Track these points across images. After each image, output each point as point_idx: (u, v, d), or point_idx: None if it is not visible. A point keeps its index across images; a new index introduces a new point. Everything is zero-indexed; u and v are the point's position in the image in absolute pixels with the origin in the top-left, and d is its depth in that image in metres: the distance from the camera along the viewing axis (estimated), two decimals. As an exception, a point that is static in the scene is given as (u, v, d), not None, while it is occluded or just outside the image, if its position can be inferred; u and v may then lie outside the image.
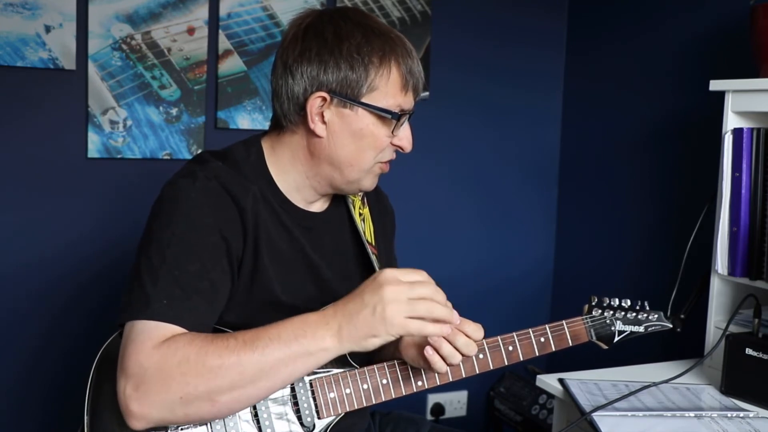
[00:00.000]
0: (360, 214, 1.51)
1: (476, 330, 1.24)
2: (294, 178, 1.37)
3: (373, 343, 1.17)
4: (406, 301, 1.16)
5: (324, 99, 1.30)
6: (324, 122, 1.31)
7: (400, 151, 1.38)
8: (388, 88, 1.30)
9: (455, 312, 1.20)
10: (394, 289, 1.16)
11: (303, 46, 1.31)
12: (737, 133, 1.77)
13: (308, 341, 1.16)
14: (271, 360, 1.14)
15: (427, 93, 2.52)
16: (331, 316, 1.18)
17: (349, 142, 1.32)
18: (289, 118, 1.34)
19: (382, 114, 1.30)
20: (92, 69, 2.13)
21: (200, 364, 1.12)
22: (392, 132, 1.33)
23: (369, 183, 1.39)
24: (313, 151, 1.35)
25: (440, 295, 1.19)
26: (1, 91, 2.06)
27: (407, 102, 1.33)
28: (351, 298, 1.18)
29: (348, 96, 1.30)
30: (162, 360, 1.12)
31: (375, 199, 1.58)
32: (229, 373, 1.13)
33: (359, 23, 1.32)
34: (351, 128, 1.31)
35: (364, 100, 1.30)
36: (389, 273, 1.18)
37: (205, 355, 1.13)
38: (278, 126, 1.38)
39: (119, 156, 2.18)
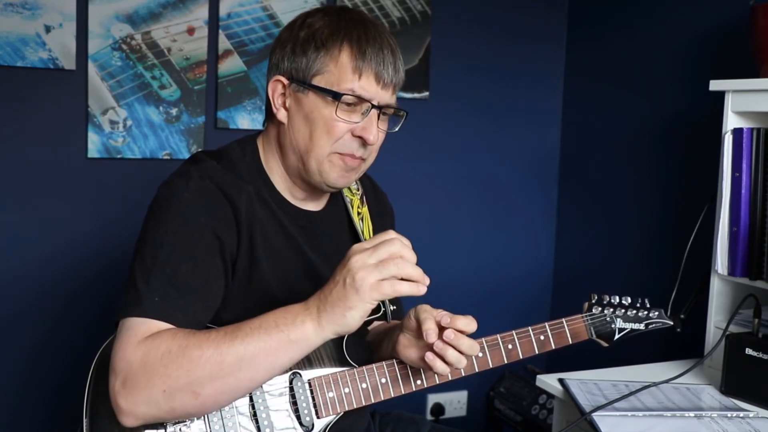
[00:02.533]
0: (359, 213, 1.51)
1: (469, 323, 1.22)
2: (280, 173, 1.38)
3: (352, 317, 1.14)
4: (373, 265, 1.13)
5: (282, 84, 1.32)
6: (286, 109, 1.33)
7: (364, 141, 1.31)
8: (337, 70, 1.29)
9: (427, 277, 1.16)
10: (359, 256, 1.13)
11: (278, 38, 1.36)
12: (737, 133, 1.77)
13: (288, 328, 1.15)
14: (251, 349, 1.14)
15: (426, 93, 2.52)
16: (311, 302, 1.17)
17: (303, 127, 1.31)
18: (267, 110, 1.37)
19: (325, 94, 1.29)
20: (92, 69, 2.13)
21: (181, 355, 1.12)
22: (336, 113, 1.29)
23: (333, 176, 1.34)
24: (280, 141, 1.36)
25: (407, 251, 1.15)
26: (1, 91, 2.06)
27: (364, 88, 1.29)
28: (327, 283, 1.17)
29: (299, 79, 1.31)
30: (146, 354, 1.13)
31: (374, 198, 1.58)
32: (208, 364, 1.12)
33: (334, 14, 1.34)
34: (303, 112, 1.31)
35: (313, 82, 1.30)
36: (355, 246, 1.16)
37: (186, 347, 1.13)
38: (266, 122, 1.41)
39: (119, 156, 2.18)
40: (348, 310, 1.14)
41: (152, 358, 1.12)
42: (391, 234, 1.17)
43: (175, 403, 1.13)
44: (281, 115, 1.34)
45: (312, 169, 1.33)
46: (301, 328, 1.15)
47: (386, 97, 1.33)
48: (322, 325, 1.15)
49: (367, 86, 1.30)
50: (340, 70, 1.29)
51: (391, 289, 1.13)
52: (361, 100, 1.30)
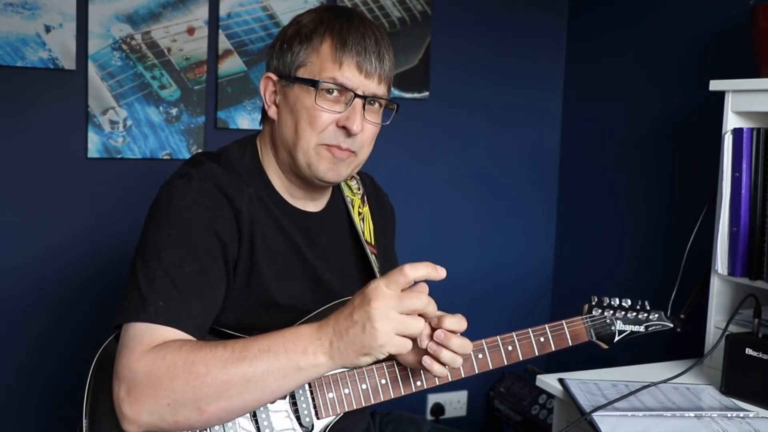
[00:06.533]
0: (359, 213, 1.51)
1: (458, 322, 1.21)
2: (276, 172, 1.38)
3: (365, 362, 1.13)
4: (397, 319, 1.11)
5: (272, 81, 1.34)
6: (276, 105, 1.35)
7: (348, 131, 1.30)
8: (319, 60, 1.29)
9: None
10: (383, 303, 1.10)
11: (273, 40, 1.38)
12: (737, 133, 1.77)
13: (298, 356, 1.12)
14: (258, 372, 1.12)
15: (426, 93, 2.52)
16: (324, 333, 1.13)
17: (290, 121, 1.32)
18: (263, 109, 1.39)
19: (306, 84, 1.29)
20: (92, 69, 2.13)
21: (187, 371, 1.11)
22: (316, 101, 1.28)
23: (322, 169, 1.32)
24: (273, 139, 1.37)
25: (431, 307, 1.14)
26: (1, 91, 2.06)
27: (346, 77, 1.28)
28: (343, 314, 1.13)
29: (285, 74, 1.32)
30: (151, 365, 1.11)
31: (375, 197, 1.57)
32: (214, 383, 1.11)
33: (323, 10, 1.35)
34: (289, 105, 1.32)
35: (297, 74, 1.31)
36: (380, 286, 1.11)
37: (192, 364, 1.11)
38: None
39: (119, 156, 2.18)
40: (362, 356, 1.12)
41: (157, 370, 1.11)
42: (422, 286, 1.15)
43: (178, 417, 1.12)
44: (272, 111, 1.35)
45: (301, 162, 1.32)
46: (312, 358, 1.13)
47: (371, 86, 1.31)
48: (334, 359, 1.13)
49: (350, 75, 1.29)
50: (322, 60, 1.29)
51: (408, 348, 1.13)
52: (344, 89, 1.29)
